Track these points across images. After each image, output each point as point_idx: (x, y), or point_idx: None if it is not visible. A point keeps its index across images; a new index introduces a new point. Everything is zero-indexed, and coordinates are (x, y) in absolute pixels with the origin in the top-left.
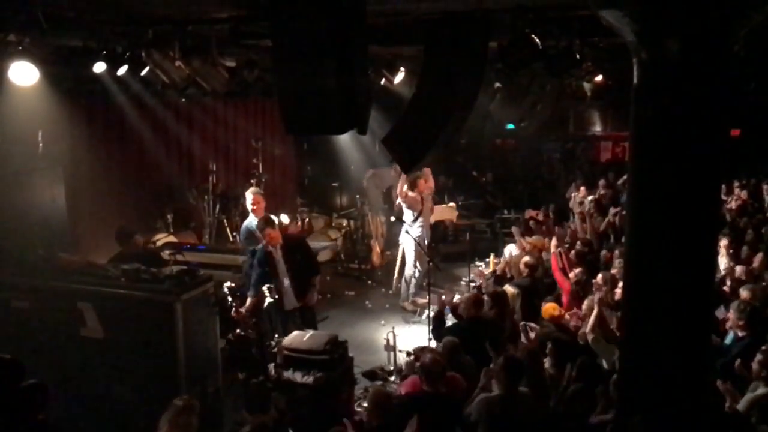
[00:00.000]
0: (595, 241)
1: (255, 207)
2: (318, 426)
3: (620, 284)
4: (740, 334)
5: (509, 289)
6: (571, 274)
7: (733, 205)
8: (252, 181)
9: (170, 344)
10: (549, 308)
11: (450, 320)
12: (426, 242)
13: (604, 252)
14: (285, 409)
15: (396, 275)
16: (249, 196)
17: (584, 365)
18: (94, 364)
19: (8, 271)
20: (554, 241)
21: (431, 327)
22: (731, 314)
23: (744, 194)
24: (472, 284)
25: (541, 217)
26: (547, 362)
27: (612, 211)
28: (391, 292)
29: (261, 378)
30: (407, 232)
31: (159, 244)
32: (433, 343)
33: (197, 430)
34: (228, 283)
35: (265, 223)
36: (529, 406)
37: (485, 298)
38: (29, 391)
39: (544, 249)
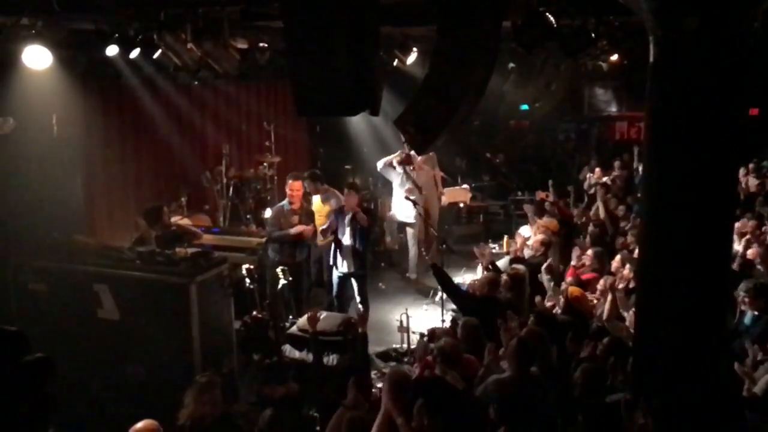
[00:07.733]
0: (608, 222)
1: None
2: (330, 406)
3: None
4: (756, 312)
5: (518, 267)
6: (585, 257)
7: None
8: (264, 164)
9: (185, 326)
10: (573, 290)
11: None
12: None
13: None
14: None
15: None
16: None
17: (613, 343)
18: (110, 346)
19: (25, 253)
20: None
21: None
22: (742, 294)
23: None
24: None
25: (551, 198)
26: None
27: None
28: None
29: (275, 359)
30: (418, 212)
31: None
32: (446, 324)
33: (222, 403)
34: (246, 266)
35: None
36: (542, 387)
37: (503, 278)
38: (34, 364)
39: (555, 230)
